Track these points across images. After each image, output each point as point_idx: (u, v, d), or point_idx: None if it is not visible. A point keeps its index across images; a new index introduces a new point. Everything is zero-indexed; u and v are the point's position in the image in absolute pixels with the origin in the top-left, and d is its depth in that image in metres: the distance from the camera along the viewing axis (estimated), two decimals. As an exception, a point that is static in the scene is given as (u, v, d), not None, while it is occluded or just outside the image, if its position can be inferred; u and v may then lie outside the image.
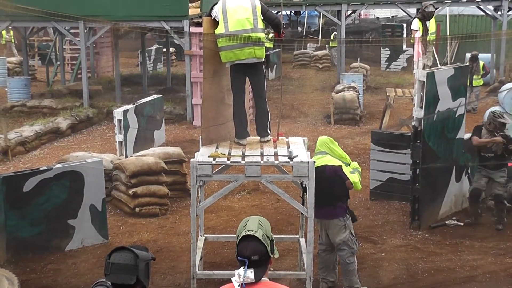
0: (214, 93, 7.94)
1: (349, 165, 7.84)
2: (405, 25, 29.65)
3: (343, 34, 23.69)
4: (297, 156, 7.22)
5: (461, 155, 10.56)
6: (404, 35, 29.52)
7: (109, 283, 3.92)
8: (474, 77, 19.03)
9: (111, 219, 10.18)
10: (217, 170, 7.61)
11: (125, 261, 3.84)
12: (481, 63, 19.60)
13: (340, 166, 7.62)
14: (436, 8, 16.65)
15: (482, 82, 19.74)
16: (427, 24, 13.56)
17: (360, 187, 7.78)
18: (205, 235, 8.43)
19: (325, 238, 7.80)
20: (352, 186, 7.62)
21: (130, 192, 10.54)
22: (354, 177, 7.62)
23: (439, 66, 12.34)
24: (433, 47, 14.72)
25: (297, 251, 8.43)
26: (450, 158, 10.32)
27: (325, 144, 7.84)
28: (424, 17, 13.54)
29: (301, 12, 33.52)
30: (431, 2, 13.87)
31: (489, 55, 23.79)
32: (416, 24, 13.79)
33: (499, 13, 24.01)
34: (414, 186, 9.89)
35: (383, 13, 41.90)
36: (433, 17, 13.94)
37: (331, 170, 7.58)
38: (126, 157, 12.24)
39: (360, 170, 7.87)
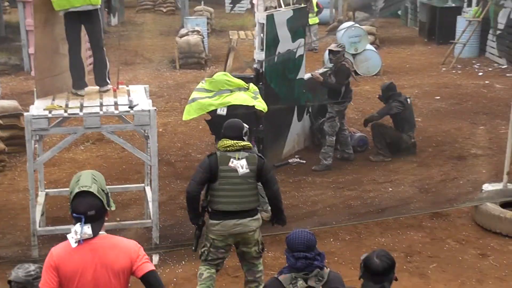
0: (47, 43, 7.62)
1: (248, 89, 8.03)
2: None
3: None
4: (137, 104, 7.13)
5: (302, 95, 10.86)
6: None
7: None
8: (310, 15, 19.38)
9: None
10: (55, 122, 7.34)
11: None
12: (314, 1, 19.94)
13: (253, 106, 7.82)
14: None
15: (317, 20, 20.15)
16: None
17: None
18: (46, 190, 8.17)
19: None
20: (263, 112, 7.97)
21: (-36, 149, 9.95)
22: (262, 104, 7.91)
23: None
24: None
25: (144, 199, 8.38)
26: (291, 98, 10.58)
27: (225, 82, 7.92)
28: None
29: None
30: None
31: (328, -5, 24.45)
32: None
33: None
34: (258, 127, 10.05)
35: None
36: None
37: (246, 109, 7.77)
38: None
39: (258, 89, 8.20)
